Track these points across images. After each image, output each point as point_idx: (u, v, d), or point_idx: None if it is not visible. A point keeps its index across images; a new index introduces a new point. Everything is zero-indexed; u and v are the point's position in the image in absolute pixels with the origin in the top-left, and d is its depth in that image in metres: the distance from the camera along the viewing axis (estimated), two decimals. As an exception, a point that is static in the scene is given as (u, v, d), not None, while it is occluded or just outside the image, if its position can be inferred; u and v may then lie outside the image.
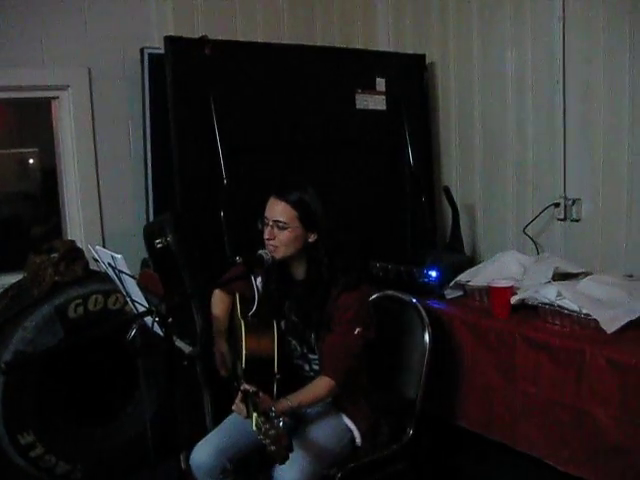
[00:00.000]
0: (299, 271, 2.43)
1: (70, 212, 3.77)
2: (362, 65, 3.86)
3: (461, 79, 3.95)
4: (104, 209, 3.79)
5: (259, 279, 2.54)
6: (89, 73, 3.64)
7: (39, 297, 2.98)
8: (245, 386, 2.11)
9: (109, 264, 2.29)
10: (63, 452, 3.03)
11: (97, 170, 3.73)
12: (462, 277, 3.08)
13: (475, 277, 3.03)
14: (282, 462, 1.90)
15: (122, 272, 2.19)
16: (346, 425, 2.45)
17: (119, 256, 2.16)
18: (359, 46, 4.13)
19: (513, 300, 2.79)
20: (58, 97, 3.64)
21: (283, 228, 2.32)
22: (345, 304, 2.32)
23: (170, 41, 3.29)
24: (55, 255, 3.02)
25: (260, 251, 2.37)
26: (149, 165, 3.70)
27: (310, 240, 2.36)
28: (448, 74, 4.02)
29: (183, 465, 2.03)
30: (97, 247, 2.32)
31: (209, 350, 2.57)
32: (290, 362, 2.49)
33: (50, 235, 3.88)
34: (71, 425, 3.12)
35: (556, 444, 2.52)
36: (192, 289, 3.09)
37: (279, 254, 2.35)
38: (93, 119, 3.69)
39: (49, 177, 3.96)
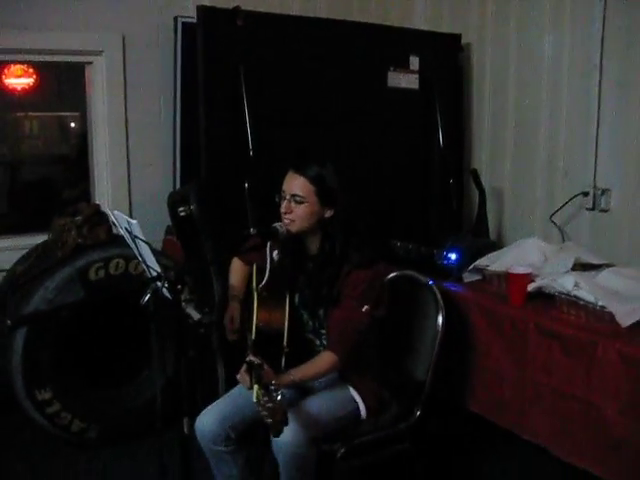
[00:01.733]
0: (313, 246, 2.43)
1: (99, 177, 3.84)
2: (396, 43, 3.81)
3: (496, 60, 3.88)
4: (132, 175, 3.84)
5: (275, 252, 2.54)
6: (123, 39, 3.68)
7: (61, 259, 3.04)
8: (251, 357, 2.13)
9: (126, 229, 2.32)
10: (79, 411, 3.11)
11: (127, 136, 3.78)
12: (481, 261, 3.05)
13: (495, 262, 3.00)
14: (276, 435, 1.92)
15: (137, 237, 2.22)
16: (352, 396, 2.45)
17: (134, 221, 2.18)
18: (395, 24, 4.07)
19: (530, 288, 2.75)
20: (92, 62, 3.70)
21: (300, 202, 2.32)
22: (355, 281, 2.31)
23: (202, 11, 3.30)
24: (79, 218, 3.08)
25: (275, 224, 2.38)
26: (177, 133, 3.73)
27: (326, 216, 2.36)
28: (483, 55, 3.96)
29: (186, 430, 2.05)
30: (115, 211, 2.35)
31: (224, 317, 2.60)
32: (302, 335, 2.50)
33: (80, 199, 3.96)
34: (88, 385, 3.19)
35: (562, 434, 2.49)
36: (212, 257, 3.12)
37: (294, 228, 2.35)
38: (125, 85, 3.73)
39: (86, 141, 4.03)
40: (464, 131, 4.07)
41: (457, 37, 3.98)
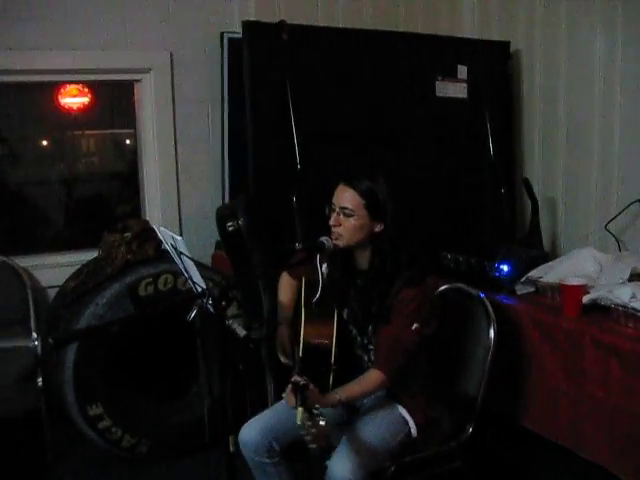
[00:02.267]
0: (363, 261, 2.40)
1: (149, 193, 3.88)
2: (443, 52, 3.77)
3: (546, 66, 3.80)
4: (181, 191, 3.87)
5: (324, 266, 2.52)
6: (171, 57, 3.72)
7: (111, 275, 3.08)
8: (296, 377, 2.09)
9: (171, 245, 2.33)
10: (129, 426, 3.13)
11: (176, 152, 3.82)
12: (534, 273, 2.97)
13: (548, 273, 2.92)
14: (317, 461, 1.89)
15: (182, 254, 2.22)
16: (402, 417, 2.40)
17: (179, 238, 2.18)
18: (442, 32, 4.02)
19: (585, 299, 2.66)
20: (140, 80, 3.74)
21: (349, 215, 2.29)
22: (406, 298, 2.27)
23: (248, 26, 3.32)
24: (128, 234, 3.11)
25: (322, 238, 2.35)
26: (226, 149, 3.75)
27: (376, 230, 2.32)
28: (533, 62, 3.88)
29: (231, 448, 2.03)
30: (161, 228, 2.36)
31: (273, 334, 2.59)
32: (351, 351, 2.47)
33: (132, 215, 4.02)
34: (139, 401, 3.22)
35: (622, 454, 2.39)
36: (260, 272, 3.11)
37: (343, 242, 2.32)
38: (174, 102, 3.77)
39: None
40: (515, 140, 3.98)
41: (506, 44, 3.91)
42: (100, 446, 3.12)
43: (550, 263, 3.05)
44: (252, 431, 2.37)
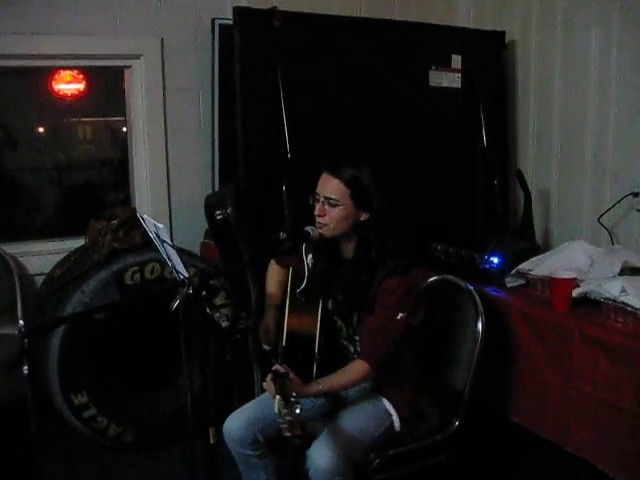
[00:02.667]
0: (348, 250, 2.37)
1: (138, 180, 3.84)
2: (438, 41, 3.73)
3: (541, 58, 3.76)
4: (171, 178, 3.83)
5: (310, 256, 2.49)
6: (161, 43, 3.67)
7: (98, 262, 3.04)
8: (277, 366, 2.07)
9: (155, 233, 2.29)
10: (115, 415, 3.12)
11: (166, 140, 3.77)
12: (524, 265, 2.94)
13: (538, 266, 2.89)
14: (293, 448, 1.88)
15: (164, 242, 2.19)
16: (386, 409, 2.38)
17: (161, 225, 2.15)
18: (437, 22, 3.97)
19: (574, 293, 2.64)
20: (131, 66, 3.69)
21: (334, 205, 2.25)
22: (390, 287, 2.23)
23: (238, 12, 3.26)
24: (115, 222, 3.07)
25: (307, 227, 2.32)
26: (216, 137, 3.70)
27: (362, 219, 2.29)
28: (528, 53, 3.83)
29: (212, 440, 2.00)
30: (144, 215, 2.32)
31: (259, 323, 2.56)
32: (336, 342, 2.44)
33: (123, 203, 3.98)
34: (124, 390, 3.19)
35: (609, 450, 2.38)
36: (248, 261, 3.08)
37: (328, 232, 2.29)
38: (164, 89, 3.72)
39: (128, 146, 4.04)
40: (508, 131, 3.94)
41: (501, 34, 3.86)
42: (85, 435, 3.10)
43: (541, 256, 3.03)
44: (236, 423, 2.36)
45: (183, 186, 3.84)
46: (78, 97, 4.47)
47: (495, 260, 3.00)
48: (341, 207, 2.25)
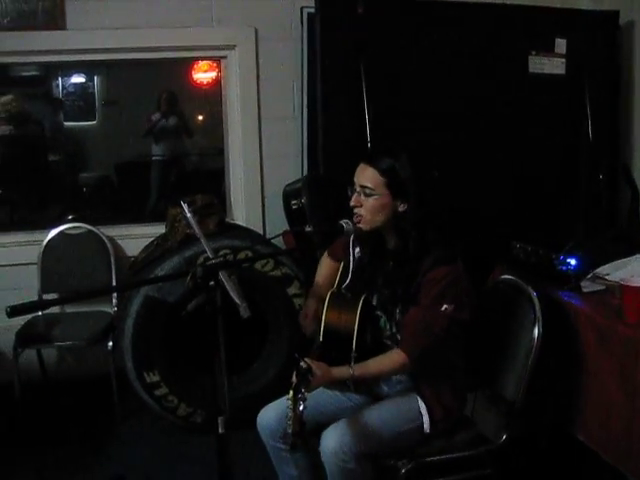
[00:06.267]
0: (391, 242, 2.28)
1: (233, 168, 3.91)
2: (539, 23, 3.48)
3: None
4: (265, 166, 3.86)
5: (357, 249, 2.42)
6: (256, 33, 3.71)
7: (172, 247, 3.14)
8: (302, 362, 2.03)
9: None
10: (186, 395, 3.20)
11: (259, 128, 3.81)
12: (603, 269, 2.66)
13: (617, 271, 2.61)
14: (291, 447, 1.84)
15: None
16: (418, 409, 2.25)
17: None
18: (540, 3, 3.65)
19: (648, 304, 2.35)
20: (226, 57, 3.77)
21: (369, 195, 2.17)
22: (436, 277, 2.11)
23: (321, -1, 3.23)
24: (190, 209, 3.14)
25: (342, 220, 2.24)
26: (305, 126, 3.70)
27: (400, 210, 2.19)
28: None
29: (220, 430, 2.00)
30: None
31: None
32: (378, 341, 2.35)
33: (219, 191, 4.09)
34: (196, 371, 3.27)
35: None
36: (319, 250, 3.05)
37: (366, 225, 2.21)
38: (258, 78, 3.76)
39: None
40: (618, 122, 3.60)
41: (614, 14, 3.52)
42: (158, 413, 3.22)
43: (625, 259, 2.72)
44: (268, 415, 2.35)
45: (276, 174, 3.84)
46: (212, 85, 4.63)
47: (572, 262, 2.74)
48: (376, 197, 2.17)
